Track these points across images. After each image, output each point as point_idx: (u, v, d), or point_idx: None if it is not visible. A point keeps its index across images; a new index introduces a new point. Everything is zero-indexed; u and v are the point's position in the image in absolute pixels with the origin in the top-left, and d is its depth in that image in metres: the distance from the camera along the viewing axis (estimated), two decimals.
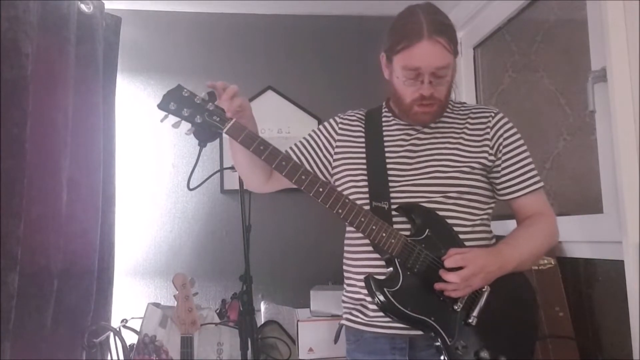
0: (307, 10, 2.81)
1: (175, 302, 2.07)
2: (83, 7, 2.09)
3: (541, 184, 1.46)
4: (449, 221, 1.37)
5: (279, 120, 2.75)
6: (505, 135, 1.43)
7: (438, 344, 1.30)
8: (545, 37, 2.20)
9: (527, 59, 2.32)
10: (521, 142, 1.45)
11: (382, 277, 1.32)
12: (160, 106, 1.32)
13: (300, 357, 2.23)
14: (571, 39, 2.01)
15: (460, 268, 1.26)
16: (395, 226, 1.34)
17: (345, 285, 1.51)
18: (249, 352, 2.06)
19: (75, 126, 1.97)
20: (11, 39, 1.56)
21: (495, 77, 2.58)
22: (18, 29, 1.57)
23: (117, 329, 2.19)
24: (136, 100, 2.67)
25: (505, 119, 1.45)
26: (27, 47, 1.60)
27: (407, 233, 1.35)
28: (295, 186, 1.35)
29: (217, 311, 2.44)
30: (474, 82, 2.72)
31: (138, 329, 2.23)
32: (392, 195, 1.39)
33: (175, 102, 1.31)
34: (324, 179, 1.43)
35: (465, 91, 2.73)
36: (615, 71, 1.54)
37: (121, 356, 2.17)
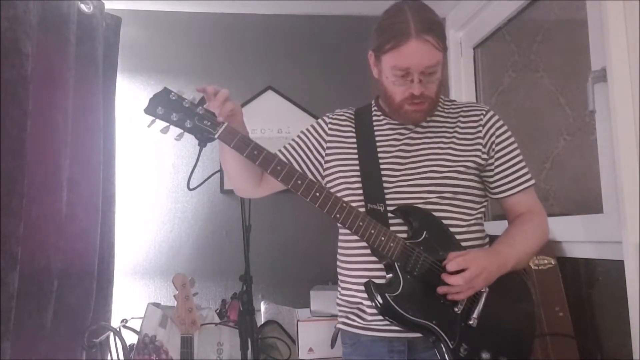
0: (307, 10, 2.81)
1: (175, 302, 2.07)
2: (83, 7, 2.09)
3: (533, 181, 1.45)
4: (445, 222, 1.36)
5: (279, 120, 2.74)
6: (497, 133, 1.42)
7: (440, 347, 1.29)
8: (545, 37, 2.20)
9: (527, 59, 2.32)
10: (512, 139, 1.44)
11: (382, 282, 1.31)
12: (147, 111, 1.27)
13: (300, 357, 2.23)
14: (571, 39, 2.01)
15: (461, 271, 1.25)
16: (391, 228, 1.33)
17: (339, 289, 1.48)
18: (249, 352, 2.05)
19: (75, 126, 1.97)
20: (11, 39, 1.56)
21: (495, 77, 2.58)
22: (18, 29, 1.57)
23: (117, 329, 2.19)
24: (136, 100, 2.66)
25: (497, 117, 1.44)
26: (27, 47, 1.59)
27: (404, 235, 1.33)
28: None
29: (217, 311, 2.44)
30: (474, 82, 2.72)
31: (138, 329, 2.23)
32: (387, 196, 1.37)
33: (163, 107, 1.26)
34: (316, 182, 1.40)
35: (465, 91, 2.73)
36: (615, 71, 1.54)
37: (121, 356, 2.17)
